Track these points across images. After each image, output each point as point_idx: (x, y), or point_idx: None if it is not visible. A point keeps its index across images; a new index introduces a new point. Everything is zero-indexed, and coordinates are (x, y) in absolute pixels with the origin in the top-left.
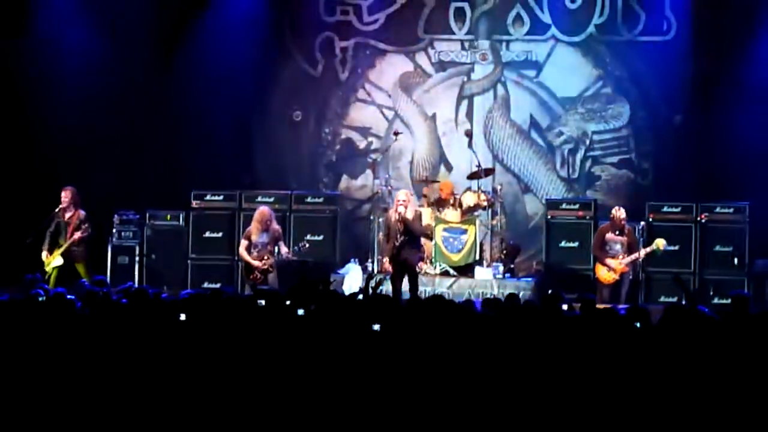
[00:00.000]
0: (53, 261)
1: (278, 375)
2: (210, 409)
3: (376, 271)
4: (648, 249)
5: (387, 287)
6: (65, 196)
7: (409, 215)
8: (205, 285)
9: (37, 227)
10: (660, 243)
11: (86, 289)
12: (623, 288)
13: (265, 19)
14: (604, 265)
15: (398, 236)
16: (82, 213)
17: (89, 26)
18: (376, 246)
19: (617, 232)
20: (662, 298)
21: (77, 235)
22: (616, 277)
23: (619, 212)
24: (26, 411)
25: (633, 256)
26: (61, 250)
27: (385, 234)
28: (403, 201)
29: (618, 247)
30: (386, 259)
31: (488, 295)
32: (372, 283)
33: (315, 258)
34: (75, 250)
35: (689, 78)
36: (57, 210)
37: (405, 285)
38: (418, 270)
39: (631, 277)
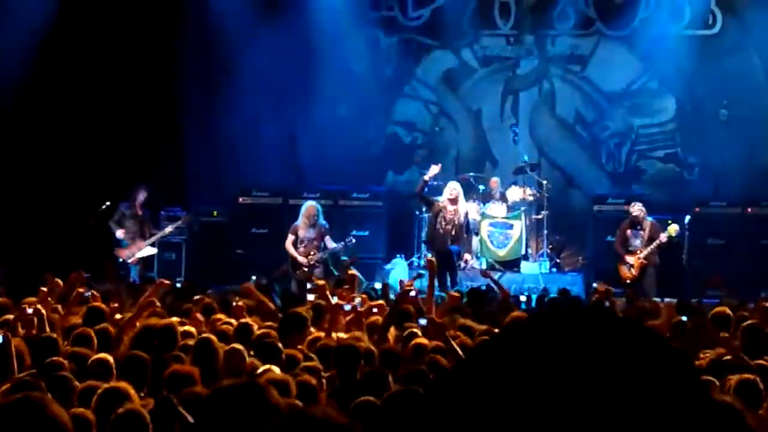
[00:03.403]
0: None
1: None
2: None
3: (421, 265)
4: (664, 237)
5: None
6: (145, 194)
7: (461, 209)
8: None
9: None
10: (672, 229)
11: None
12: (646, 281)
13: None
14: (624, 263)
15: (446, 226)
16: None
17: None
18: (421, 241)
19: (637, 228)
20: (708, 292)
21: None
22: (635, 273)
23: (634, 207)
24: None
25: (650, 247)
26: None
27: (431, 225)
28: (455, 190)
29: (638, 242)
30: (432, 253)
31: (535, 291)
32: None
33: (361, 254)
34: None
35: (734, 72)
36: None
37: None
38: (464, 264)
39: (654, 267)
